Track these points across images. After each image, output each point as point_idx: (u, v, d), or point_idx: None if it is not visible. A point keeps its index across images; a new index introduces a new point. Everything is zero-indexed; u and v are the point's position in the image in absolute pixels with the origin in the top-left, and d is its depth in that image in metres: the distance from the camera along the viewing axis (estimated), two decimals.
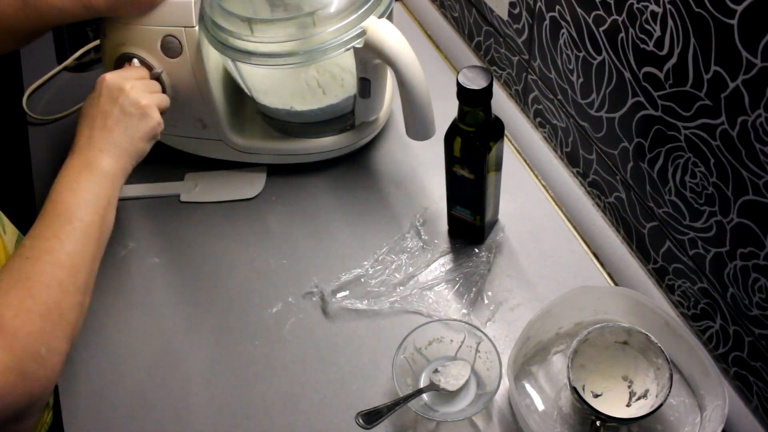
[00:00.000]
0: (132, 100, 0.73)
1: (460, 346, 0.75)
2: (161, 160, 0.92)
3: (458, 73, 0.69)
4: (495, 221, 0.87)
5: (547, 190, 0.92)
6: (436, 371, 0.73)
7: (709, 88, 0.59)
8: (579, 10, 0.73)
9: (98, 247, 0.69)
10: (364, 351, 0.78)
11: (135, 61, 0.82)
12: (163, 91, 0.83)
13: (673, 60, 0.62)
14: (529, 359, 0.75)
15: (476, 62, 1.06)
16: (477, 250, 0.85)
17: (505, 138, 0.88)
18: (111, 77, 0.74)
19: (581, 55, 0.76)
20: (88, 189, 0.68)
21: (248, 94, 0.90)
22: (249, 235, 0.89)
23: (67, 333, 0.63)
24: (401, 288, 0.82)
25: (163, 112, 0.78)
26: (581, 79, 0.78)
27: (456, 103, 0.71)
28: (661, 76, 0.64)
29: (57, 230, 0.65)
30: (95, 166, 0.70)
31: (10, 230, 0.78)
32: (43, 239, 0.65)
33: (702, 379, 0.69)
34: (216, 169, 0.96)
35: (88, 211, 0.67)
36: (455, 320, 0.77)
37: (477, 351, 0.73)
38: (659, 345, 0.69)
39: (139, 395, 0.76)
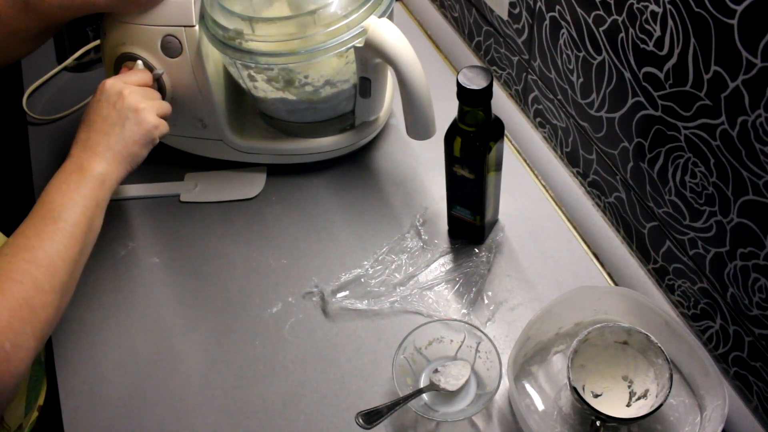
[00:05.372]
0: (129, 104, 0.74)
1: (460, 346, 0.75)
2: (161, 160, 0.92)
3: (458, 73, 0.69)
4: (495, 221, 0.87)
5: (547, 190, 0.92)
6: (436, 371, 0.73)
7: (709, 88, 0.59)
8: (579, 10, 0.73)
9: (82, 249, 0.69)
10: (364, 351, 0.78)
11: (139, 62, 0.82)
12: (164, 91, 0.83)
13: (673, 60, 0.62)
14: (529, 359, 0.75)
15: (476, 62, 1.06)
16: (477, 250, 0.85)
17: (505, 138, 0.88)
18: (111, 82, 0.75)
19: (581, 55, 0.76)
20: (78, 191, 0.69)
21: (248, 93, 0.90)
22: (249, 235, 0.89)
23: (36, 330, 0.63)
24: (401, 288, 0.82)
25: (164, 118, 0.79)
26: (581, 79, 0.78)
27: (456, 103, 0.71)
28: (661, 76, 0.64)
29: (40, 230, 0.66)
30: (87, 169, 0.71)
31: None
32: (24, 237, 0.65)
33: (702, 379, 0.69)
34: (216, 169, 0.96)
35: (74, 212, 0.68)
36: (455, 320, 0.77)
37: (477, 351, 0.73)
38: (659, 345, 0.69)
39: (139, 395, 0.76)
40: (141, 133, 0.75)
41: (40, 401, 0.81)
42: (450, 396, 0.72)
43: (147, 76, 0.80)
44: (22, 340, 0.61)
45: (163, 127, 0.78)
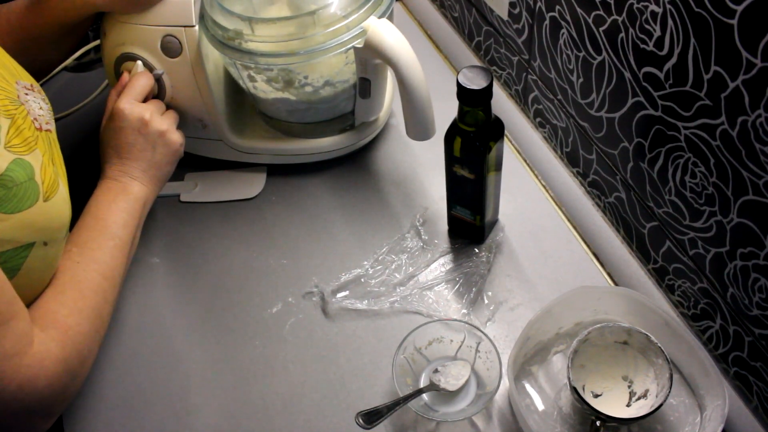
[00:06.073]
0: (153, 129, 0.78)
1: (460, 346, 0.75)
2: None
3: (458, 73, 0.69)
4: (495, 221, 0.87)
5: (547, 190, 0.92)
6: (436, 371, 0.73)
7: (709, 88, 0.59)
8: (579, 10, 0.73)
9: (127, 265, 0.74)
10: (364, 351, 0.78)
11: (139, 63, 0.82)
12: (164, 91, 0.84)
13: (673, 60, 0.62)
14: (529, 359, 0.75)
15: (476, 62, 1.06)
16: (477, 250, 0.85)
17: (505, 138, 0.88)
18: (128, 107, 0.77)
19: (581, 55, 0.76)
20: (126, 211, 0.74)
21: (248, 94, 0.90)
22: (249, 235, 0.89)
23: (101, 339, 0.68)
24: (401, 288, 0.82)
25: (178, 127, 0.83)
26: (581, 79, 0.78)
27: (456, 103, 0.71)
28: (661, 76, 0.64)
29: (101, 244, 0.70)
30: (130, 192, 0.75)
31: None
32: (89, 249, 0.69)
33: (702, 379, 0.69)
34: (216, 169, 0.96)
35: (125, 231, 0.73)
36: (455, 320, 0.77)
37: (477, 351, 0.73)
38: (659, 345, 0.69)
39: (139, 395, 0.76)
40: (170, 154, 0.80)
41: None
42: (450, 396, 0.72)
43: (149, 79, 0.81)
44: (94, 348, 0.66)
45: (183, 139, 0.82)
